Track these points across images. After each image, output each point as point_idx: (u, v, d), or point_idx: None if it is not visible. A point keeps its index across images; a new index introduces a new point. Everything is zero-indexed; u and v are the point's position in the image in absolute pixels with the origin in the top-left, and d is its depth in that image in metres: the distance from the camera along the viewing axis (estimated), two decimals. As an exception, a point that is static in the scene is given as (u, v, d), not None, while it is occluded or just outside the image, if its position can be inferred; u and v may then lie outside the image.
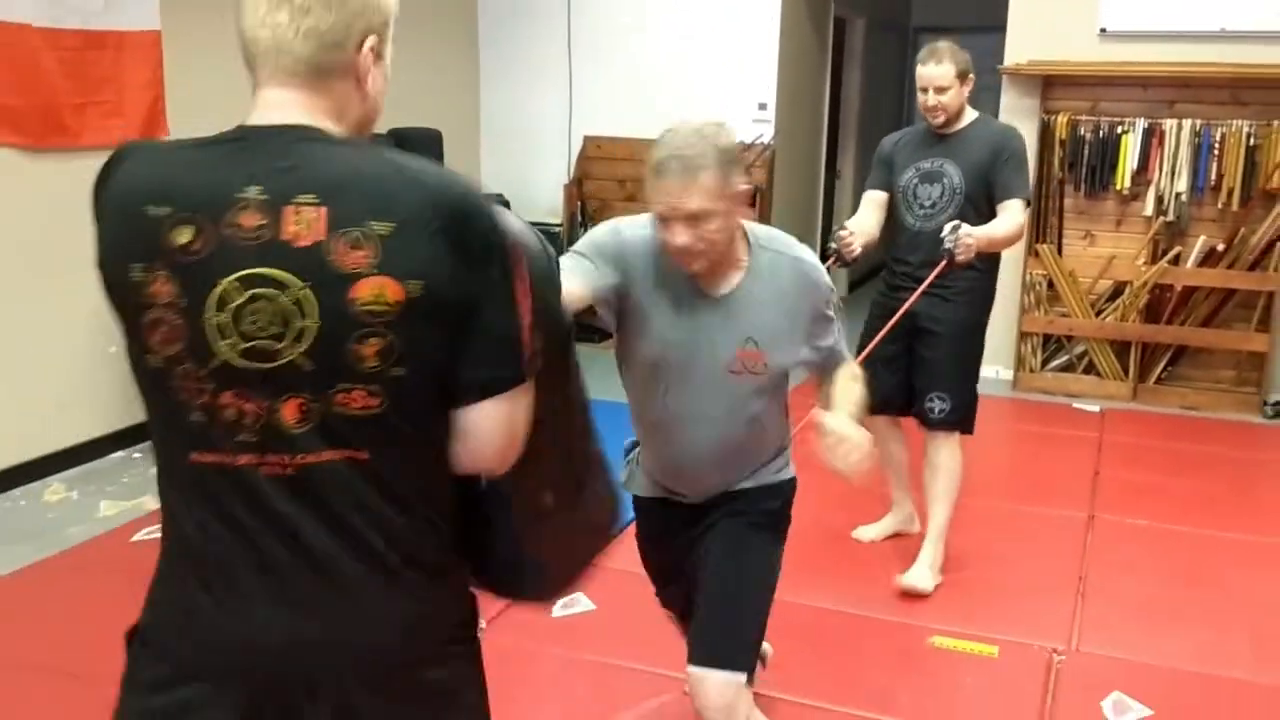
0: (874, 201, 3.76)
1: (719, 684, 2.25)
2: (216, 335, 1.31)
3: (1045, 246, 6.14)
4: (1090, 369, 6.23)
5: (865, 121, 8.96)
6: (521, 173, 7.26)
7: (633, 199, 7.18)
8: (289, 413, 1.32)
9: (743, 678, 2.27)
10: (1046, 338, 6.31)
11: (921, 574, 3.68)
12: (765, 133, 6.94)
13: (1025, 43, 6.18)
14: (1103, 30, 6.02)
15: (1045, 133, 6.11)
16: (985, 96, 6.89)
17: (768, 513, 2.37)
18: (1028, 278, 6.22)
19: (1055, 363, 6.32)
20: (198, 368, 1.32)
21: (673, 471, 2.39)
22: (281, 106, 1.36)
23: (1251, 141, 5.79)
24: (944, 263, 3.39)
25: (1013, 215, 3.53)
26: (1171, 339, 6.05)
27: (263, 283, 1.29)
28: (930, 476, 3.79)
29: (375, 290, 1.29)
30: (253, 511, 1.36)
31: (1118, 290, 6.09)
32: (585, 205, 7.24)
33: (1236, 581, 3.84)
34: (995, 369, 6.40)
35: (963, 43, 3.64)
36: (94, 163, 1.37)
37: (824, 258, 3.21)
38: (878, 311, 3.74)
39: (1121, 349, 6.13)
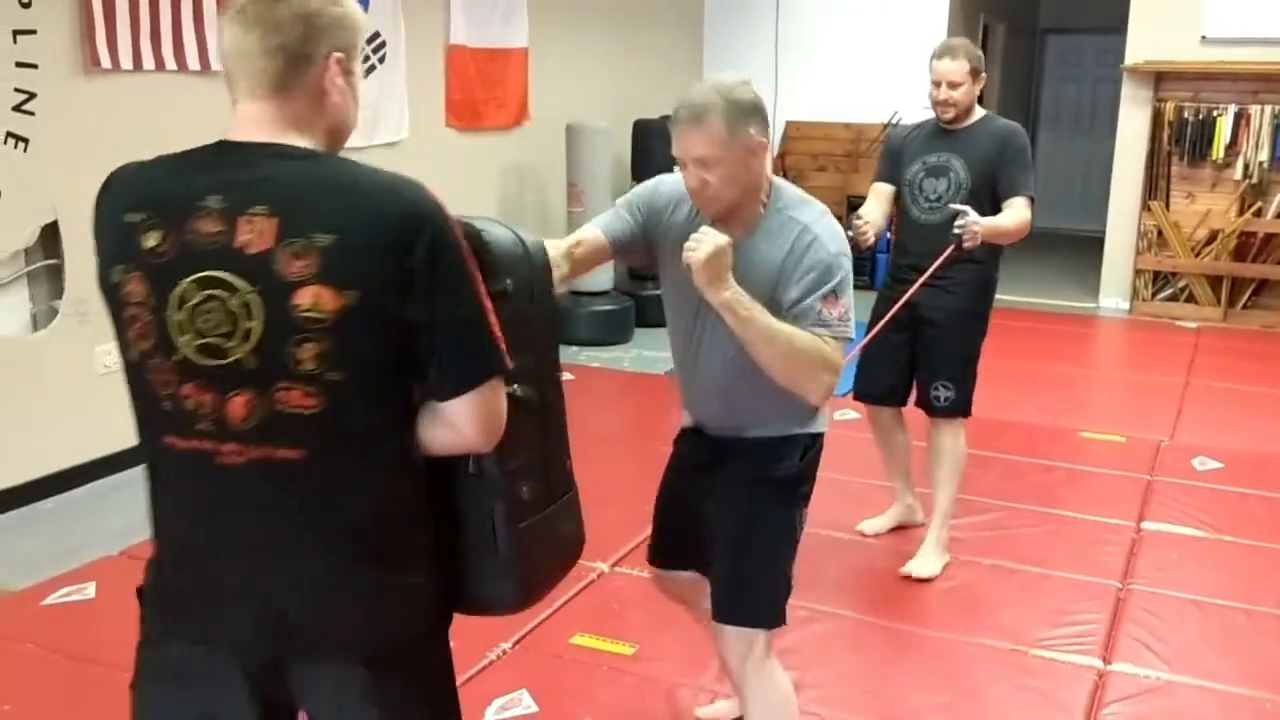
0: (881, 193, 3.71)
1: (731, 637, 2.34)
2: (177, 331, 1.36)
3: (1156, 203, 7.89)
4: (1190, 299, 7.93)
5: (1003, 111, 10.56)
6: (737, 150, 9.16)
7: (824, 169, 9.09)
8: (236, 407, 1.36)
9: (753, 631, 2.32)
10: (1156, 274, 8.03)
11: (926, 560, 3.75)
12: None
13: (1141, 47, 7.87)
14: (1203, 37, 7.67)
15: (1157, 116, 7.85)
16: (1105, 88, 8.62)
17: (767, 480, 2.33)
18: (1141, 227, 7.98)
19: (1163, 294, 8.05)
20: (165, 360, 1.38)
21: (687, 394, 2.44)
22: (253, 119, 1.41)
23: (1317, 122, 7.51)
24: (952, 248, 3.40)
25: (1018, 210, 3.51)
26: (1254, 274, 7.75)
27: (216, 285, 1.34)
28: (935, 461, 3.81)
29: (313, 298, 1.32)
30: (213, 495, 1.42)
31: (1212, 237, 7.77)
32: (786, 175, 9.11)
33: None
34: (1114, 300, 8.22)
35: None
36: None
37: None
38: (883, 303, 3.75)
39: (1214, 283, 7.82)
